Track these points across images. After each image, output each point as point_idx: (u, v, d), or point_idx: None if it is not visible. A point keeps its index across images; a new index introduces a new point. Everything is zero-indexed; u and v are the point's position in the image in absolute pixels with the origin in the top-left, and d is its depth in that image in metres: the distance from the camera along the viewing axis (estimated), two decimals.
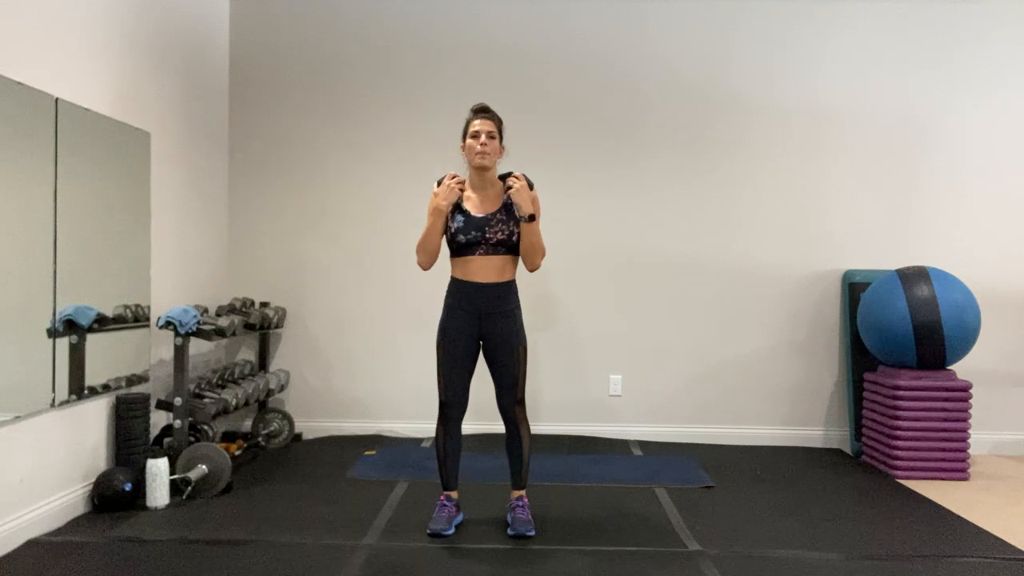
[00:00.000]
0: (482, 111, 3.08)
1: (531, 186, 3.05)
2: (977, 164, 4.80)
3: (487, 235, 3.01)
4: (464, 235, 3.02)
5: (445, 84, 4.84)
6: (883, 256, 4.82)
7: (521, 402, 3.13)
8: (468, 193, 3.10)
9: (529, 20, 4.84)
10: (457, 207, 3.06)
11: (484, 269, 3.05)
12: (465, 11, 4.84)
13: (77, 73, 3.26)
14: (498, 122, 3.08)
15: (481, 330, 3.09)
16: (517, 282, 3.18)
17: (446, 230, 3.09)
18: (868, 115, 4.81)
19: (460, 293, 3.08)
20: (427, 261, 3.10)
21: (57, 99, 3.10)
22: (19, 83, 2.88)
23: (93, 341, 3.33)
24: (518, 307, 3.13)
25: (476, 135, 3.02)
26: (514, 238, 3.05)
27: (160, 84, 3.98)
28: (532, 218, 3.00)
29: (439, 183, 3.06)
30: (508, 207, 3.06)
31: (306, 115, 4.85)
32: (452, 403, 3.10)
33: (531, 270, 3.12)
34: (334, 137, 4.85)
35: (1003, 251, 4.80)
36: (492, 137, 3.03)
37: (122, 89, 3.62)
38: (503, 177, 3.12)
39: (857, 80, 4.81)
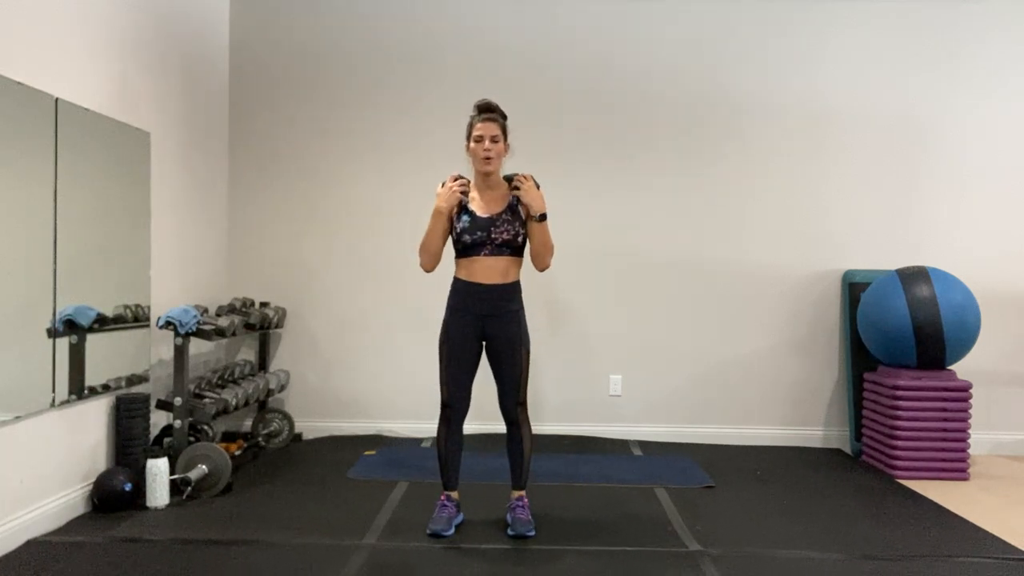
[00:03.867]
0: (485, 110, 3.04)
1: (537, 186, 3.04)
2: (977, 164, 4.80)
3: (492, 235, 3.00)
4: (470, 235, 3.01)
5: (445, 84, 4.84)
6: (883, 256, 4.82)
7: (523, 403, 3.14)
8: (473, 194, 3.09)
9: (530, 20, 4.83)
10: (463, 207, 3.06)
11: (489, 270, 3.04)
12: (465, 12, 4.83)
13: (77, 73, 3.26)
14: (502, 121, 3.04)
15: (484, 331, 3.09)
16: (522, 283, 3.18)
17: (451, 230, 3.09)
18: (868, 115, 4.81)
19: (463, 294, 3.07)
20: (429, 262, 3.09)
21: (57, 99, 3.10)
22: (19, 83, 2.88)
23: (93, 341, 3.33)
24: (522, 308, 3.13)
25: (479, 139, 2.98)
26: (519, 239, 3.06)
27: (160, 84, 3.97)
28: (544, 217, 3.00)
29: (444, 184, 3.05)
30: (514, 208, 3.05)
31: (306, 115, 4.85)
32: (454, 404, 3.11)
33: (541, 269, 3.11)
34: (334, 137, 4.85)
35: (1003, 251, 4.80)
36: (496, 141, 2.99)
37: (122, 89, 3.62)
38: (508, 177, 3.10)
39: (857, 80, 4.81)
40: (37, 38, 3.01)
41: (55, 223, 3.08)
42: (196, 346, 4.29)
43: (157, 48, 3.94)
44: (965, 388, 4.10)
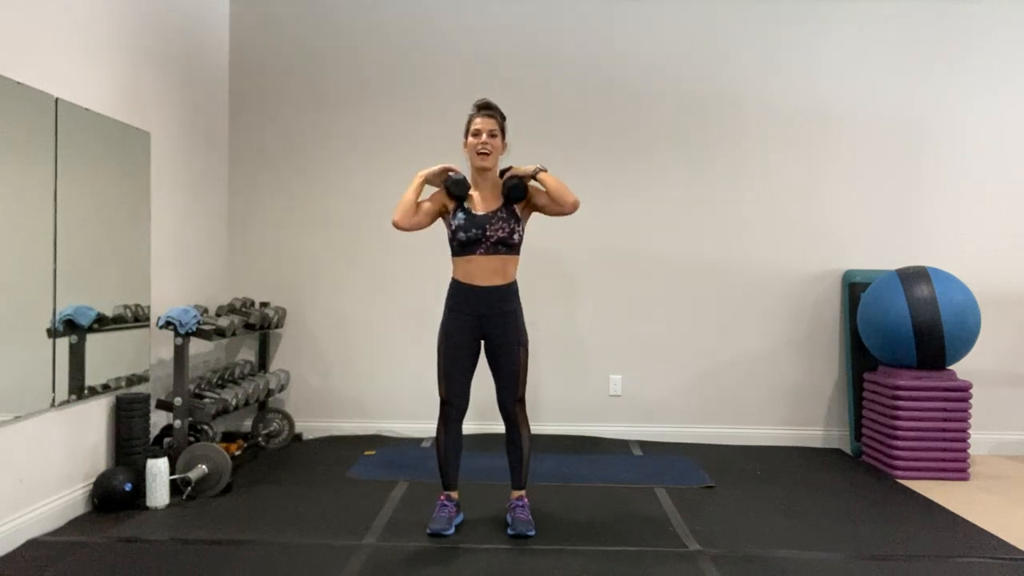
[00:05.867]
0: (484, 108, 3.07)
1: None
2: (977, 164, 4.80)
3: (488, 232, 3.00)
4: (465, 232, 3.01)
5: (445, 85, 4.84)
6: (883, 256, 4.82)
7: (521, 401, 3.14)
8: (471, 191, 3.11)
9: (528, 21, 4.83)
10: (459, 206, 3.07)
11: (485, 271, 3.04)
12: (464, 13, 4.83)
13: (77, 73, 3.26)
14: (500, 119, 3.07)
15: (482, 330, 3.10)
16: (519, 283, 3.18)
17: (448, 228, 3.09)
18: (868, 115, 4.81)
19: (461, 295, 3.08)
20: (402, 218, 2.99)
21: (57, 99, 3.10)
22: (19, 83, 2.88)
23: (93, 341, 3.33)
24: (519, 307, 3.14)
25: (477, 134, 3.02)
26: (515, 236, 3.05)
27: (160, 84, 3.98)
28: (542, 169, 3.01)
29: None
30: (509, 206, 3.05)
31: (306, 115, 4.85)
32: (453, 401, 3.12)
33: (571, 210, 3.01)
34: (334, 137, 4.85)
35: (1003, 251, 4.80)
36: (493, 135, 3.03)
37: (122, 89, 3.62)
38: (504, 173, 3.12)
39: (857, 80, 4.81)
40: (37, 38, 3.01)
41: (55, 223, 3.08)
42: (196, 346, 4.29)
43: (157, 48, 3.94)
44: (965, 388, 4.09)
